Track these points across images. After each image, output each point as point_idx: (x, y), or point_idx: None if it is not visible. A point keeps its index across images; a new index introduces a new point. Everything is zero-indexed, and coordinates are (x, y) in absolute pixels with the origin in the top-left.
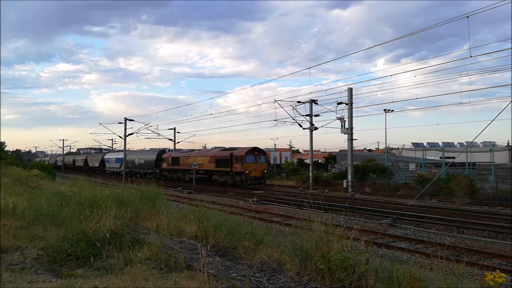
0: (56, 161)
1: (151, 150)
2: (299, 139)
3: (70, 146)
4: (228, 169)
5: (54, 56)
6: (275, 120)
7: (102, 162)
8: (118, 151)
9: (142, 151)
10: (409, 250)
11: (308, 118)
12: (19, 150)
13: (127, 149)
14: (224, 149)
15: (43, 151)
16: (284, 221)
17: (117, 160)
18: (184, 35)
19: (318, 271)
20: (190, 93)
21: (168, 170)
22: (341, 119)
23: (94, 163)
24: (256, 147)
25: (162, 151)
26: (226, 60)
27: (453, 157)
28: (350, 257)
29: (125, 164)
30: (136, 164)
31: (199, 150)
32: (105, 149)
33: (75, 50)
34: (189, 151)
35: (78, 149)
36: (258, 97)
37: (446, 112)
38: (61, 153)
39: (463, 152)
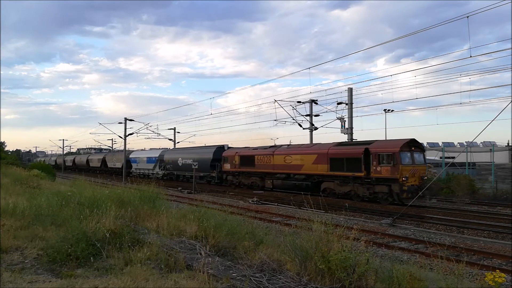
0: (64, 161)
1: (205, 147)
2: (299, 139)
3: (70, 146)
4: (361, 174)
5: (54, 56)
6: (275, 120)
7: (127, 163)
8: (151, 149)
9: (190, 148)
10: (409, 250)
11: (308, 118)
12: (19, 150)
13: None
14: (342, 143)
15: (43, 151)
16: (284, 221)
17: (150, 160)
18: (184, 35)
19: (318, 271)
20: (190, 93)
21: (234, 173)
22: (341, 119)
23: (116, 163)
24: (413, 139)
25: (221, 148)
26: (226, 60)
27: (453, 157)
28: (350, 257)
29: (157, 164)
30: (180, 165)
31: (288, 145)
32: (105, 149)
33: (76, 50)
34: (270, 147)
35: (78, 149)
36: (258, 97)
37: (446, 112)
38: (68, 152)
39: (463, 152)
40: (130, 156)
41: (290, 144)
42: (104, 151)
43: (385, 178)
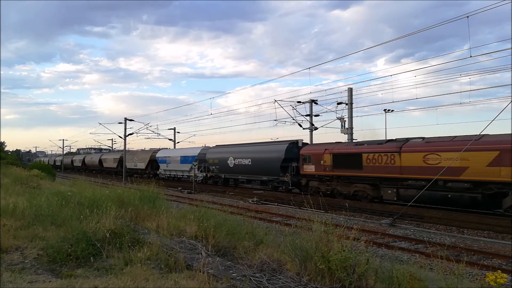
0: (72, 161)
1: (271, 143)
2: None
3: (70, 146)
4: None
5: (54, 56)
6: (275, 120)
7: (152, 163)
8: (185, 148)
9: (245, 145)
10: (409, 250)
11: (308, 118)
12: (19, 150)
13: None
14: None
15: (43, 151)
16: (284, 221)
17: (185, 159)
18: (184, 35)
19: (318, 271)
20: (191, 93)
21: (322, 178)
22: (341, 119)
23: (137, 163)
24: None
25: (294, 143)
26: (226, 60)
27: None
28: (350, 257)
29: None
30: (231, 166)
31: (423, 138)
32: (105, 149)
33: (76, 50)
34: (388, 141)
35: (78, 149)
36: (258, 97)
37: (446, 112)
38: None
39: (463, 152)
40: (157, 155)
41: (428, 138)
42: (104, 151)
43: None
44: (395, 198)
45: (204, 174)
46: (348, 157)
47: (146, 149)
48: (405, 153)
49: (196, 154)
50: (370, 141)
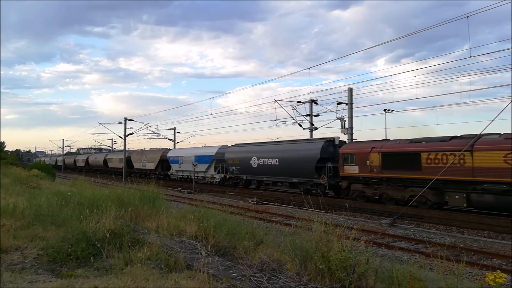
0: (75, 161)
1: (302, 141)
2: None
3: (70, 146)
4: None
5: (55, 56)
6: (275, 120)
7: (162, 163)
8: (204, 147)
9: (270, 144)
10: (409, 250)
11: (308, 118)
12: (19, 150)
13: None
14: None
15: (43, 151)
16: (284, 221)
17: (200, 159)
18: (184, 35)
19: (318, 271)
20: (191, 93)
21: (367, 181)
22: (341, 119)
23: (146, 163)
24: None
25: (330, 141)
26: (226, 60)
27: None
28: (350, 257)
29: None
30: (255, 167)
31: (503, 134)
32: (105, 149)
33: (76, 51)
34: (453, 138)
35: (78, 149)
36: (258, 97)
37: (446, 112)
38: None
39: (463, 152)
40: (169, 155)
41: (506, 134)
42: (104, 151)
43: None
44: (465, 205)
45: (222, 176)
46: (402, 156)
47: (156, 148)
48: (479, 152)
49: (213, 154)
50: (429, 138)
